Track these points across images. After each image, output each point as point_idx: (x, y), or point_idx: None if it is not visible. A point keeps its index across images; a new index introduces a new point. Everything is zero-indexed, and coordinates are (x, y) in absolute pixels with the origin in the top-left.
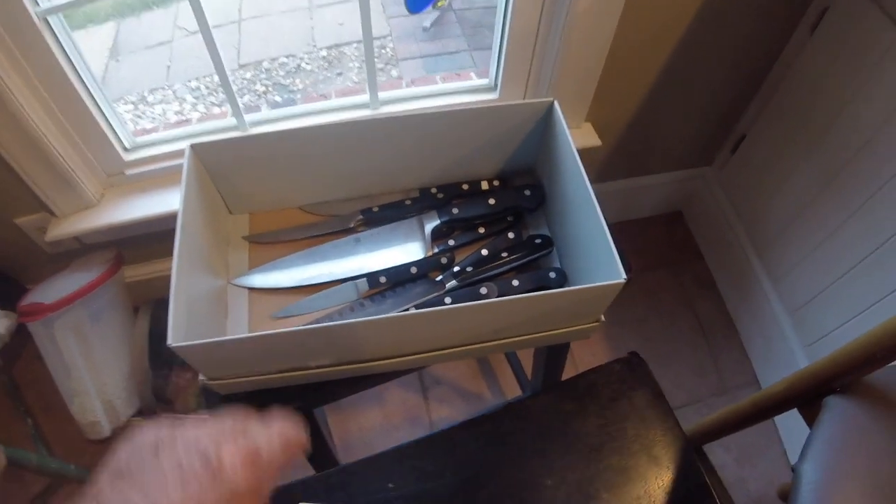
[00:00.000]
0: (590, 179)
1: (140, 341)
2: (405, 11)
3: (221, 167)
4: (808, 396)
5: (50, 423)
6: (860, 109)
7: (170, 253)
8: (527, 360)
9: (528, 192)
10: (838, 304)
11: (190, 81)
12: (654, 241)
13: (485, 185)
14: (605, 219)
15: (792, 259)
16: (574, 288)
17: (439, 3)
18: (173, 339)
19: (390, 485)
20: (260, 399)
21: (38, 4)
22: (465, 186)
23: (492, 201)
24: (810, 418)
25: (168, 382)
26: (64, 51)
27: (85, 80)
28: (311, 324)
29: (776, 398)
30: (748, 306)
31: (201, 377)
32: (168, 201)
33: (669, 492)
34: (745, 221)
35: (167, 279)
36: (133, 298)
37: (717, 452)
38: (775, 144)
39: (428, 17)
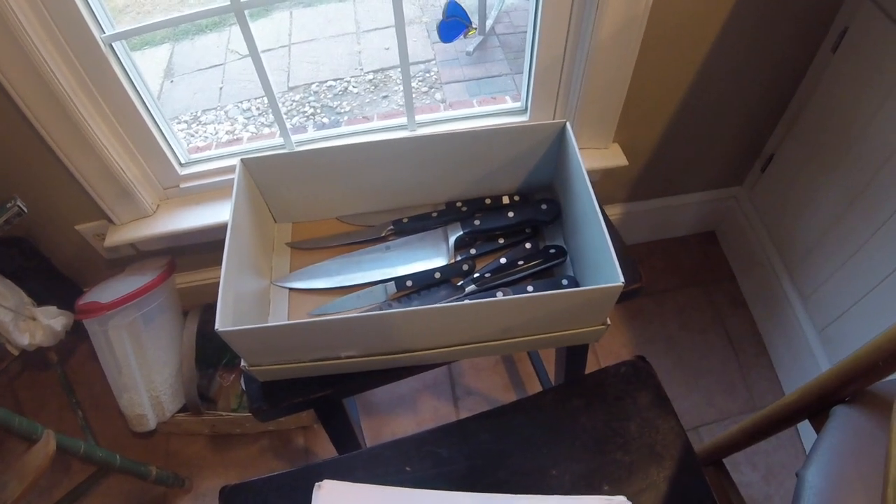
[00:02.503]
0: (621, 199)
1: (188, 343)
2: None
3: (268, 180)
4: (817, 406)
5: (98, 417)
6: (882, 126)
7: (219, 262)
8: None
9: (544, 207)
10: (865, 321)
11: (241, 102)
12: (686, 261)
13: (505, 200)
14: (607, 229)
15: (820, 277)
16: (573, 290)
17: (469, 33)
18: (220, 325)
19: (408, 468)
20: (295, 388)
21: (103, 31)
22: (488, 201)
23: (511, 214)
24: (820, 428)
25: (212, 383)
26: (126, 73)
27: (144, 100)
28: None
29: (788, 409)
30: (778, 324)
31: (243, 363)
32: (219, 213)
33: (669, 487)
34: (775, 240)
35: (216, 286)
36: (183, 303)
37: (745, 470)
38: (802, 163)
39: (471, 42)
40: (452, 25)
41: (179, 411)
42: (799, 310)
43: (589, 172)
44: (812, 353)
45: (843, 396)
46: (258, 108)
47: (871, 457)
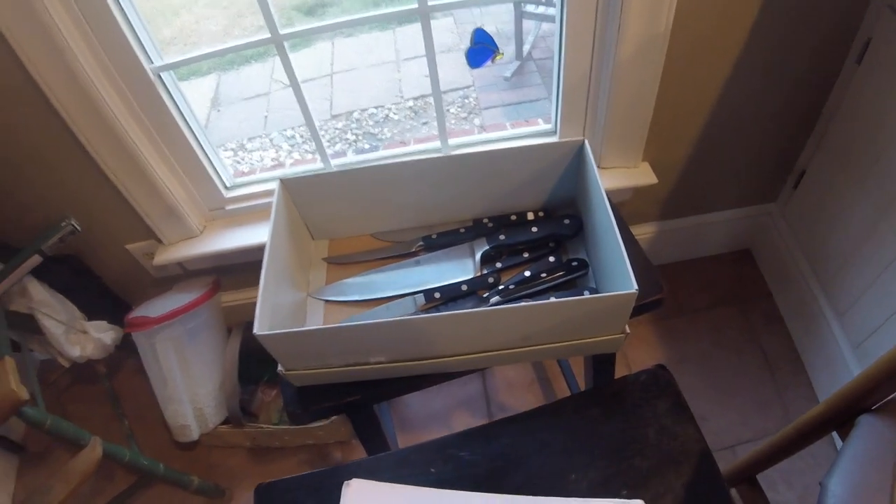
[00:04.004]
0: (653, 217)
1: (231, 358)
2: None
3: (306, 199)
4: (844, 417)
5: (143, 428)
6: None
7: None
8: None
9: (567, 222)
10: None
11: (285, 130)
12: (722, 278)
13: (530, 216)
14: (627, 242)
15: (855, 291)
16: (587, 297)
17: (497, 58)
18: (259, 329)
19: (432, 469)
20: (328, 392)
21: (152, 62)
22: (513, 217)
23: (535, 229)
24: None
25: (254, 398)
26: (174, 101)
27: (192, 127)
28: None
29: (815, 421)
30: (814, 341)
31: (280, 368)
32: (261, 234)
33: (687, 493)
34: (809, 257)
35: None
36: (228, 320)
37: (780, 489)
38: (833, 177)
39: (508, 67)
40: (480, 52)
41: (222, 424)
42: (835, 326)
43: (619, 191)
44: (849, 369)
45: (869, 405)
46: (302, 136)
47: (893, 465)
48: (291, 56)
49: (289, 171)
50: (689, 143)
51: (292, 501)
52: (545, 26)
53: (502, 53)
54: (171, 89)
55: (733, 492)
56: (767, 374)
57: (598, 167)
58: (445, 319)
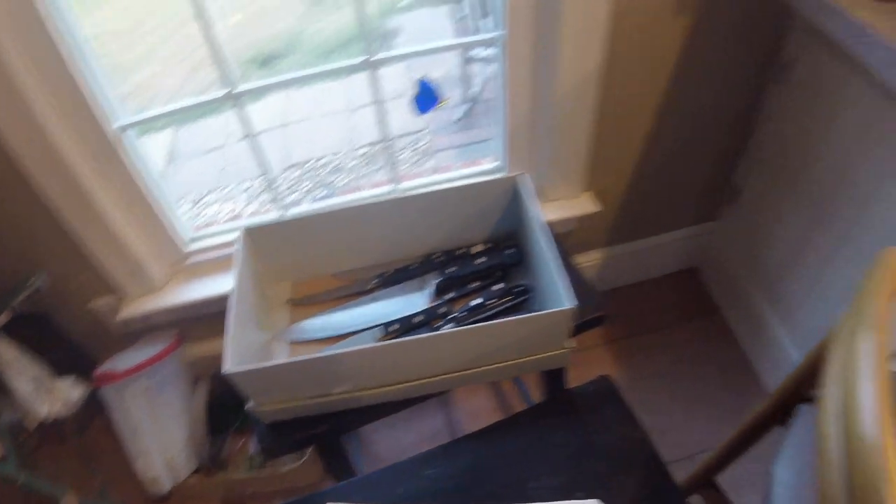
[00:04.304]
0: (601, 245)
1: (198, 409)
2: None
3: (268, 245)
4: (786, 410)
5: (116, 484)
6: (832, 148)
7: (223, 334)
8: None
9: (510, 251)
10: None
11: (242, 182)
12: (672, 298)
13: (476, 249)
14: (563, 264)
15: (796, 297)
16: (526, 315)
17: (441, 104)
18: (229, 367)
19: (400, 489)
20: (297, 426)
21: (113, 121)
22: (461, 251)
23: (481, 260)
24: None
25: (224, 447)
26: (134, 159)
27: (150, 183)
28: None
29: (760, 417)
30: (763, 348)
31: (250, 404)
32: (223, 285)
33: (639, 490)
34: (751, 269)
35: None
36: (195, 371)
37: (746, 493)
38: (767, 193)
39: (458, 109)
40: (425, 99)
41: (193, 474)
42: (781, 331)
43: (565, 221)
44: None
45: (808, 396)
46: (259, 187)
47: None
48: (247, 108)
49: (246, 222)
50: (629, 171)
51: None
52: (491, 69)
53: (447, 99)
54: (130, 147)
55: (697, 498)
56: (723, 383)
57: (544, 200)
58: (400, 346)
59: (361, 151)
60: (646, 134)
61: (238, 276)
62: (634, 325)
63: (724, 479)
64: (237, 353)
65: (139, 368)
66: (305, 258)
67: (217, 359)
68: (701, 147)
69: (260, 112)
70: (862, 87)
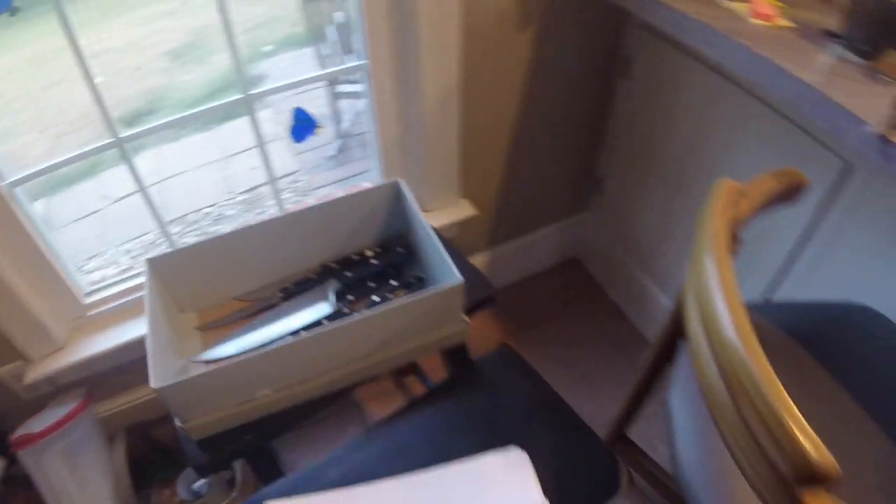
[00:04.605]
0: (483, 247)
1: (120, 464)
2: (311, 146)
3: (171, 276)
4: (670, 350)
5: None
6: (678, 128)
7: (133, 384)
8: None
9: (400, 250)
10: None
11: (122, 244)
12: (558, 289)
13: (368, 253)
14: (447, 249)
15: (671, 264)
16: (419, 293)
17: (318, 131)
18: (155, 383)
19: (332, 476)
20: (226, 438)
21: (3, 179)
22: (355, 256)
23: (375, 263)
24: None
25: (150, 500)
26: (27, 214)
27: (46, 237)
28: None
29: (650, 363)
30: (648, 316)
31: (178, 423)
32: (125, 333)
33: (555, 436)
34: (627, 248)
35: (136, 408)
36: (108, 428)
37: (659, 449)
38: (629, 177)
39: (331, 146)
40: (302, 128)
41: None
42: (664, 299)
43: (445, 228)
44: None
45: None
46: (141, 246)
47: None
48: (119, 169)
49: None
50: (500, 174)
51: None
52: (360, 103)
53: (323, 126)
54: (22, 204)
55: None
56: (620, 356)
57: (424, 210)
58: (313, 338)
59: (241, 198)
60: (509, 137)
61: (149, 303)
62: (526, 319)
63: (636, 436)
64: (160, 375)
65: (54, 429)
66: (208, 285)
67: (130, 411)
68: (562, 144)
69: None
70: (694, 68)
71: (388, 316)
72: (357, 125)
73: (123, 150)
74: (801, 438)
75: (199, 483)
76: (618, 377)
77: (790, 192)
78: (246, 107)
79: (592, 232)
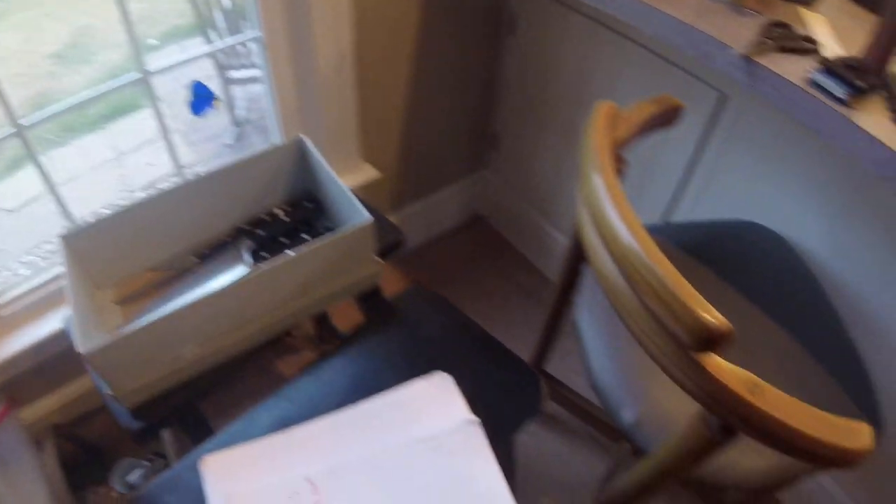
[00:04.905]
0: (389, 209)
1: (52, 468)
2: (207, 137)
3: (85, 252)
4: (575, 273)
5: None
6: (566, 80)
7: (54, 383)
8: None
9: (309, 205)
10: None
11: (21, 257)
12: (466, 246)
13: (279, 211)
14: (354, 196)
15: (571, 208)
16: (330, 234)
17: (216, 104)
18: (83, 346)
19: (265, 420)
20: (158, 403)
21: None
22: (266, 216)
23: (286, 220)
24: None
25: (87, 500)
26: None
27: None
28: None
29: (558, 296)
30: (556, 262)
31: (108, 392)
32: (40, 329)
33: (479, 360)
34: (528, 200)
35: (60, 408)
36: (35, 434)
37: (575, 380)
38: (522, 130)
39: (227, 134)
40: (200, 101)
41: None
42: (567, 244)
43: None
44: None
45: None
46: (43, 258)
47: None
48: (13, 177)
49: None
50: (399, 136)
51: None
52: (253, 89)
53: (220, 99)
54: None
55: None
56: (533, 304)
57: None
58: (234, 287)
59: (139, 195)
60: (406, 100)
61: (68, 277)
62: (437, 278)
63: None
64: (87, 340)
65: None
66: (122, 258)
67: (55, 412)
68: (457, 104)
69: (21, 182)
70: (574, 18)
71: (304, 260)
72: (253, 111)
73: (26, 141)
74: (695, 306)
75: (134, 474)
76: (532, 325)
77: (667, 116)
78: (144, 88)
79: (493, 188)
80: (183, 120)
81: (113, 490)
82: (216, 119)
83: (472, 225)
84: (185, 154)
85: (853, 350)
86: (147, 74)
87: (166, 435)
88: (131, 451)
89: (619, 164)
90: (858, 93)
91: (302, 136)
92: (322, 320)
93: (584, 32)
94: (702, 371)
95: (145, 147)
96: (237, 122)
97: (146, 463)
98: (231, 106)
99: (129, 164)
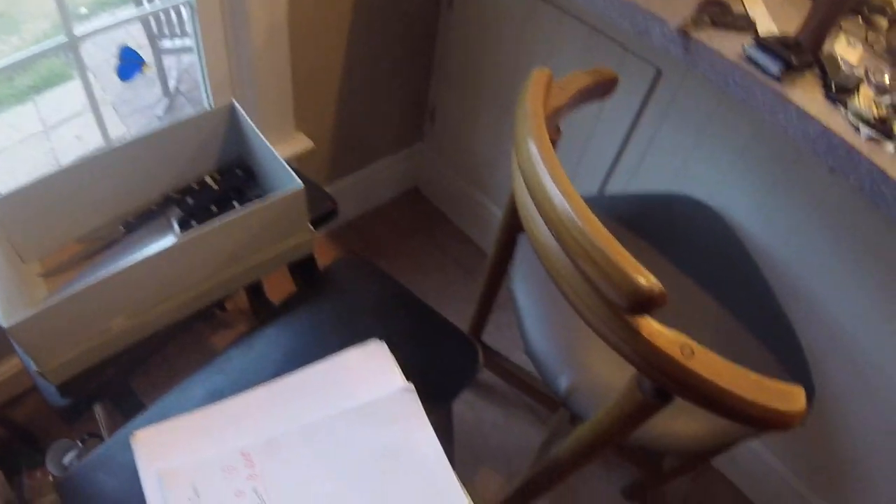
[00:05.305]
0: (324, 179)
1: None
2: (137, 109)
3: (9, 224)
4: (510, 243)
5: None
6: (506, 53)
7: None
8: None
9: (240, 173)
10: None
11: None
12: (404, 217)
13: (209, 179)
14: (280, 157)
15: (505, 183)
16: (266, 198)
17: (144, 69)
18: (6, 322)
19: (198, 391)
20: (86, 379)
21: None
22: (195, 185)
23: (216, 188)
24: None
25: (23, 485)
26: None
27: None
28: None
29: (493, 267)
30: (491, 236)
31: (34, 368)
32: None
33: (413, 325)
34: (464, 173)
35: None
36: None
37: (516, 354)
38: (459, 103)
39: (158, 106)
40: (129, 67)
41: None
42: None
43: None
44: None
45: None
46: None
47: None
48: None
49: None
50: (335, 108)
51: (95, 485)
52: (185, 59)
53: (149, 65)
54: None
55: None
56: (468, 278)
57: None
58: (158, 257)
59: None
60: (341, 71)
61: None
62: (372, 251)
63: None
64: (11, 314)
65: None
66: (47, 228)
67: None
68: (393, 76)
69: None
70: None
71: (233, 227)
72: (185, 82)
73: None
74: (628, 268)
75: (69, 456)
76: (468, 298)
77: (602, 87)
78: (73, 57)
79: (429, 161)
80: (113, 91)
81: (49, 473)
82: (147, 90)
83: (409, 197)
84: (116, 126)
85: (785, 320)
86: (75, 39)
87: (100, 413)
88: (66, 433)
89: (555, 135)
90: (792, 69)
91: (234, 101)
92: (256, 294)
93: (522, 6)
94: (636, 334)
95: (74, 120)
96: (169, 94)
97: (81, 444)
98: (164, 77)
99: (57, 137)
